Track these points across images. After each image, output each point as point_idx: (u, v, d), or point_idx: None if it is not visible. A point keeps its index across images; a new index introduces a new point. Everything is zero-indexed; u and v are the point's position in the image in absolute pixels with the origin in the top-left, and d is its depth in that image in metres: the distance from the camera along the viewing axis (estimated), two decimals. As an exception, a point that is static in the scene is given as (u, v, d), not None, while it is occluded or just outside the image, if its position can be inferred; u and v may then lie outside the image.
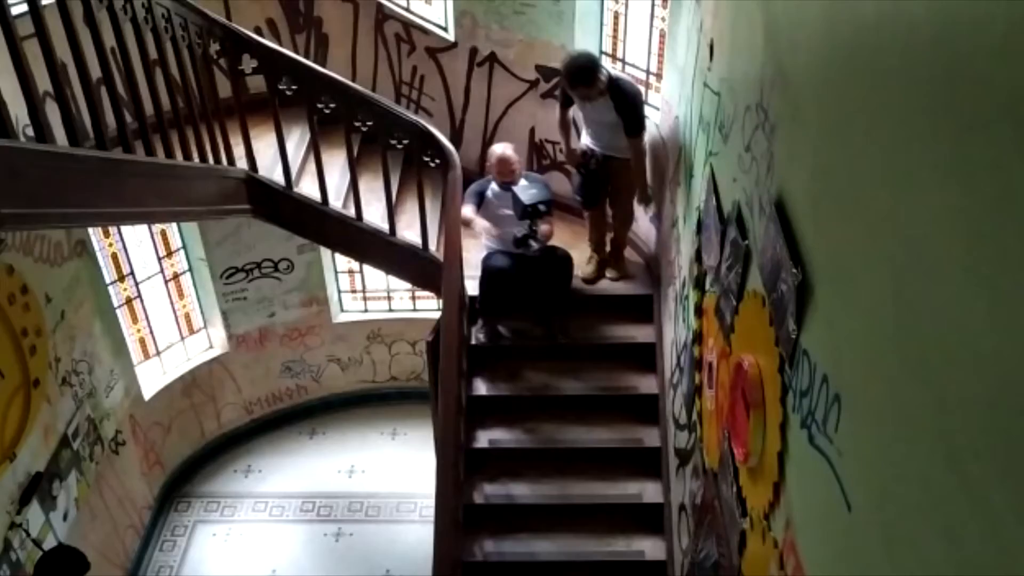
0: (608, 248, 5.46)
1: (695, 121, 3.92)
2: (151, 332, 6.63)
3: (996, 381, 1.20)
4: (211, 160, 4.58)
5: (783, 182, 2.38)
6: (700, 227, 3.64)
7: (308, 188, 5.19)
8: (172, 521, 6.82)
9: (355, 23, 6.09)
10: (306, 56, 6.03)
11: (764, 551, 2.47)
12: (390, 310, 7.45)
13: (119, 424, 6.09)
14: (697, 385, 3.72)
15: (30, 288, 4.83)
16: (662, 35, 5.02)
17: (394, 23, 6.02)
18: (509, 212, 4.99)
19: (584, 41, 5.43)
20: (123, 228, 6.04)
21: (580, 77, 4.61)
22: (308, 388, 7.60)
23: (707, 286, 3.49)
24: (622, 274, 5.43)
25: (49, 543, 5.03)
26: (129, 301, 6.36)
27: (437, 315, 5.20)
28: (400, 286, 7.18)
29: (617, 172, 5.00)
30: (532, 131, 6.04)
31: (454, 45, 5.91)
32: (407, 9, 6.00)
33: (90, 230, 5.60)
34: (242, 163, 4.87)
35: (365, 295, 7.43)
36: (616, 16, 5.41)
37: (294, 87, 4.74)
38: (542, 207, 4.91)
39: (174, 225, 6.42)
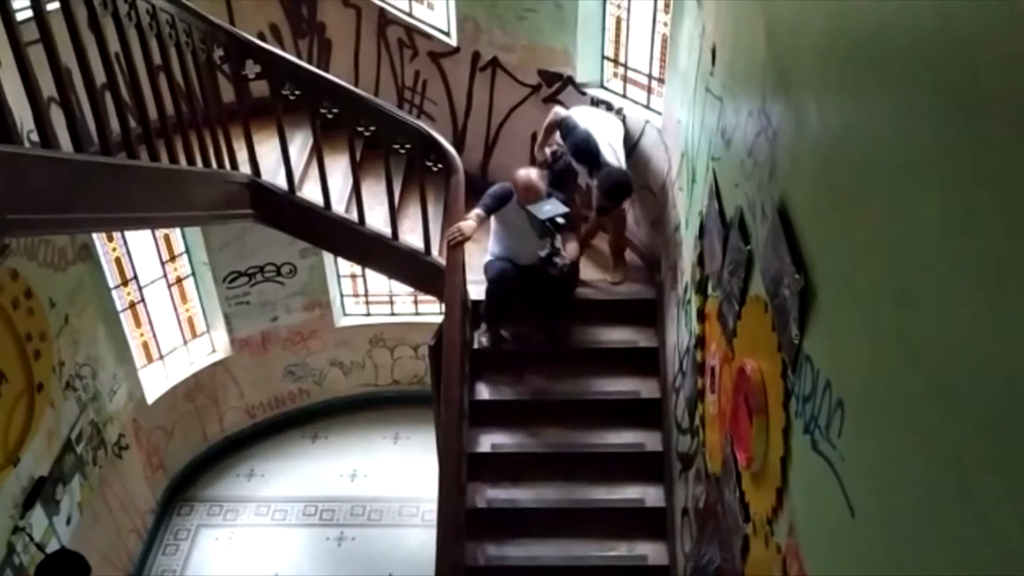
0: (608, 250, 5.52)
1: (697, 126, 3.92)
2: (154, 336, 6.65)
3: (1000, 387, 1.20)
4: (214, 165, 4.60)
5: (785, 187, 2.39)
6: (702, 232, 3.64)
7: (311, 193, 5.19)
8: (175, 525, 6.83)
9: (358, 28, 6.11)
10: (309, 61, 6.05)
11: (767, 556, 2.48)
12: (392, 314, 7.46)
13: (122, 428, 6.10)
14: (699, 389, 3.73)
15: (34, 292, 4.85)
16: (664, 40, 5.02)
17: (397, 28, 6.03)
18: (526, 226, 4.86)
19: (586, 46, 5.44)
20: (126, 233, 6.05)
21: (618, 193, 4.93)
22: (310, 392, 7.61)
23: (709, 290, 3.50)
24: (623, 278, 5.43)
25: (52, 547, 5.04)
26: (132, 305, 6.37)
27: (439, 319, 5.20)
28: (402, 290, 7.19)
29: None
30: (534, 136, 6.03)
31: (456, 50, 5.92)
32: (410, 14, 6.02)
33: (94, 235, 5.62)
34: (245, 168, 4.88)
35: (367, 299, 7.44)
36: (618, 21, 5.42)
37: (297, 92, 4.76)
38: (560, 219, 4.76)
39: (177, 229, 6.43)
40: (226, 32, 4.57)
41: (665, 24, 4.98)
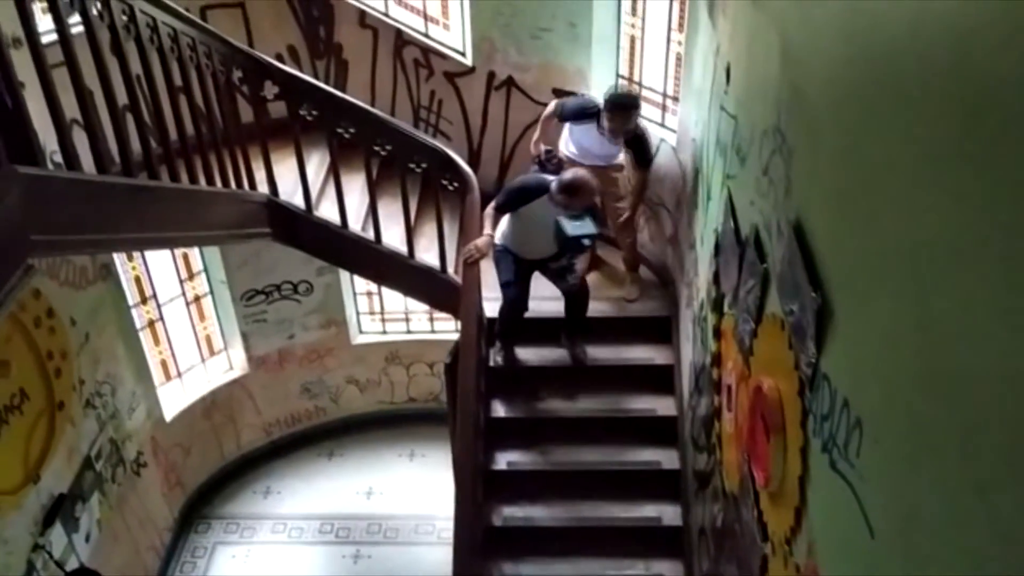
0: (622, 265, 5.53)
1: (712, 144, 3.94)
2: (172, 354, 6.70)
3: (1020, 407, 1.20)
4: (233, 185, 4.65)
5: (801, 205, 2.39)
6: (718, 249, 3.65)
7: (328, 211, 5.24)
8: (192, 542, 6.85)
9: (374, 49, 6.17)
10: (326, 81, 6.11)
11: (786, 576, 2.46)
12: (408, 331, 7.49)
13: (141, 446, 6.14)
14: (716, 407, 3.72)
15: (55, 311, 4.90)
16: (678, 58, 5.05)
17: (413, 48, 6.09)
18: (549, 226, 4.64)
19: (601, 65, 5.48)
20: (146, 252, 6.11)
21: (627, 105, 4.77)
22: (327, 409, 7.63)
23: (725, 308, 3.50)
24: (639, 294, 5.44)
25: (71, 565, 5.07)
26: (151, 323, 6.43)
27: (455, 337, 5.22)
28: (418, 308, 7.22)
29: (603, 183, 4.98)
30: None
31: (472, 70, 5.97)
32: (426, 35, 6.07)
33: (114, 254, 5.68)
34: (263, 187, 4.93)
35: (383, 316, 7.47)
36: (633, 40, 5.46)
37: (314, 112, 4.81)
38: (586, 242, 4.68)
39: (195, 248, 6.49)
40: (245, 54, 4.63)
41: (679, 43, 5.00)
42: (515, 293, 4.95)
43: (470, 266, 4.74)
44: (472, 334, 4.65)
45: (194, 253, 6.59)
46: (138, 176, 3.69)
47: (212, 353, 7.04)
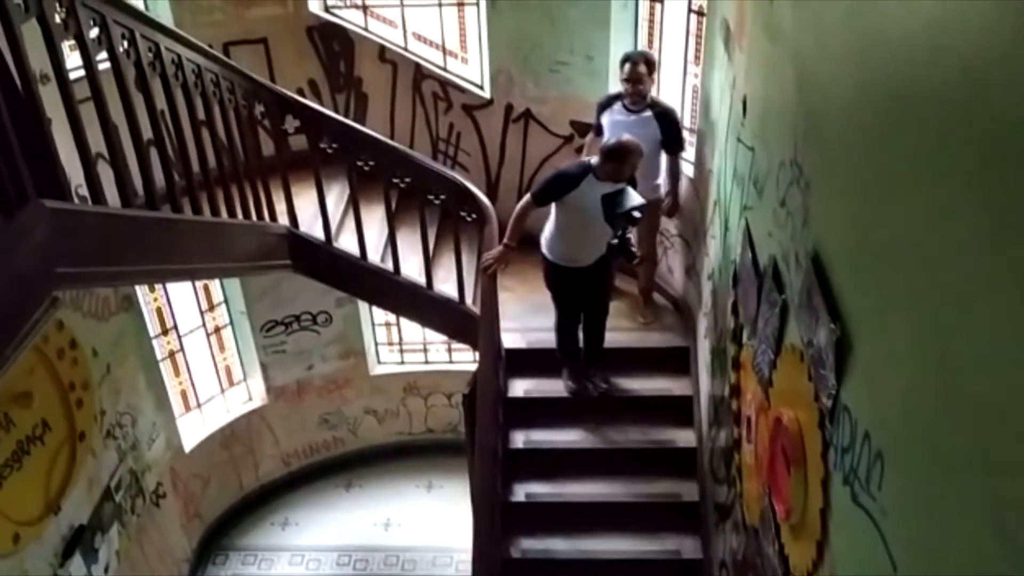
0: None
1: (729, 175, 3.95)
2: (192, 385, 6.74)
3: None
4: (254, 217, 4.70)
5: (819, 237, 2.39)
6: (736, 280, 3.64)
7: (347, 243, 5.29)
8: (210, 574, 6.83)
9: (394, 82, 6.25)
10: (346, 114, 6.20)
11: (808, 611, 2.43)
12: (426, 362, 7.50)
13: (160, 476, 6.16)
14: (735, 439, 3.69)
15: (78, 343, 4.96)
16: (695, 91, 5.08)
17: (432, 82, 6.17)
18: (597, 212, 4.36)
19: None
20: (168, 283, 6.18)
21: (643, 59, 4.75)
22: (345, 440, 7.63)
23: (744, 339, 3.49)
24: (654, 318, 5.43)
25: (90, 596, 5.08)
26: (172, 354, 6.48)
27: (473, 367, 5.23)
28: (436, 338, 7.23)
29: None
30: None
31: (490, 102, 6.04)
32: (444, 68, 6.16)
33: (136, 285, 5.75)
34: (283, 219, 4.99)
35: (402, 347, 7.49)
36: (647, 72, 5.49)
37: (335, 145, 4.88)
38: (637, 213, 4.34)
39: (217, 280, 6.56)
40: (267, 89, 4.72)
41: (696, 75, 5.04)
42: (563, 313, 4.97)
43: (489, 276, 4.71)
44: (490, 365, 4.66)
45: (215, 284, 6.65)
46: (161, 209, 3.74)
47: (232, 384, 7.07)
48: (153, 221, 3.57)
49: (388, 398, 7.51)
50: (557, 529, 4.96)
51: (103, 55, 3.29)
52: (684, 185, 5.11)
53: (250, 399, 7.17)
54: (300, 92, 5.97)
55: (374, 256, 5.33)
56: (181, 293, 6.46)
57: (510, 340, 5.39)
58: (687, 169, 5.17)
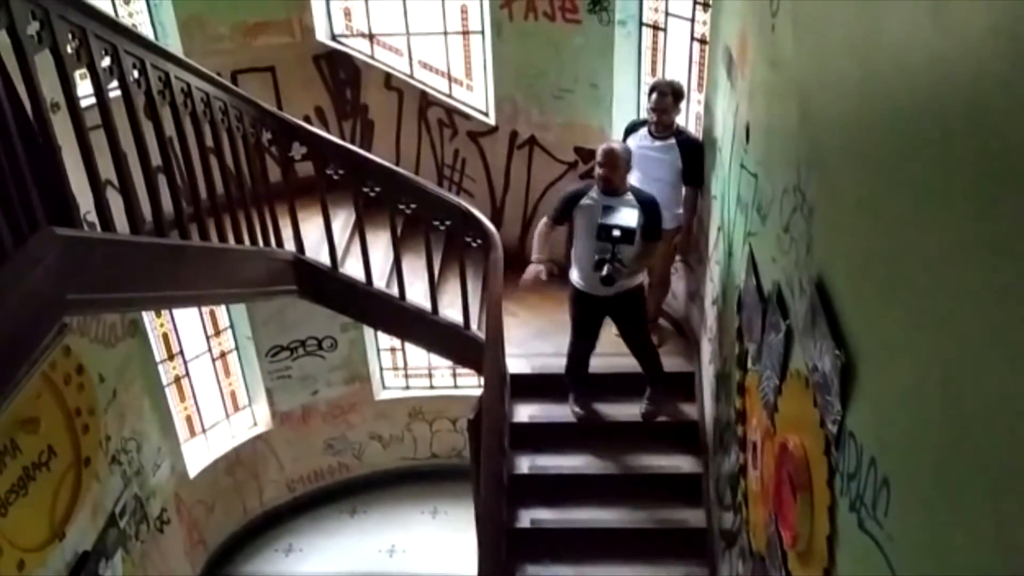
0: None
1: (733, 201, 3.97)
2: (198, 410, 6.74)
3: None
4: (261, 243, 4.74)
5: (823, 263, 2.41)
6: (740, 306, 3.65)
7: (353, 268, 5.31)
8: (213, 601, 6.80)
9: (399, 109, 6.32)
10: (352, 141, 6.26)
11: (816, 639, 2.41)
12: (431, 387, 7.50)
13: (164, 502, 6.15)
14: (741, 465, 3.68)
15: (85, 368, 4.97)
16: (698, 117, 5.12)
17: (437, 109, 6.23)
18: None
19: (622, 123, 5.55)
20: (175, 309, 6.20)
21: (671, 90, 4.76)
22: (349, 466, 7.62)
23: (749, 365, 3.49)
24: (659, 342, 5.43)
25: (93, 623, 5.05)
26: (178, 380, 6.49)
27: (478, 393, 5.23)
28: (441, 364, 7.24)
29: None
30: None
31: (495, 129, 6.09)
32: (450, 95, 6.22)
33: (144, 312, 5.77)
34: (290, 245, 5.02)
35: (407, 372, 7.49)
36: (652, 99, 5.54)
37: (341, 172, 4.92)
38: (616, 232, 4.26)
39: (223, 305, 6.58)
40: (275, 117, 4.77)
41: (699, 102, 5.08)
42: (576, 337, 4.97)
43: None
44: (495, 390, 4.66)
45: (221, 310, 6.68)
46: (169, 235, 3.78)
47: (237, 409, 7.08)
48: (161, 247, 3.60)
49: (393, 423, 7.50)
50: (563, 556, 4.93)
51: (113, 83, 3.34)
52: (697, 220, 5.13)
53: (255, 424, 7.17)
54: (307, 119, 6.03)
55: (379, 281, 5.36)
56: (187, 318, 6.49)
57: (515, 365, 5.40)
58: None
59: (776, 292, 2.93)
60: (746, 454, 3.56)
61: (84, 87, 3.36)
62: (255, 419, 7.17)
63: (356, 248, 5.24)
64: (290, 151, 4.85)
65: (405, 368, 7.49)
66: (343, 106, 6.37)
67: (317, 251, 5.19)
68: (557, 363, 5.30)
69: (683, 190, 4.98)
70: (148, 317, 5.99)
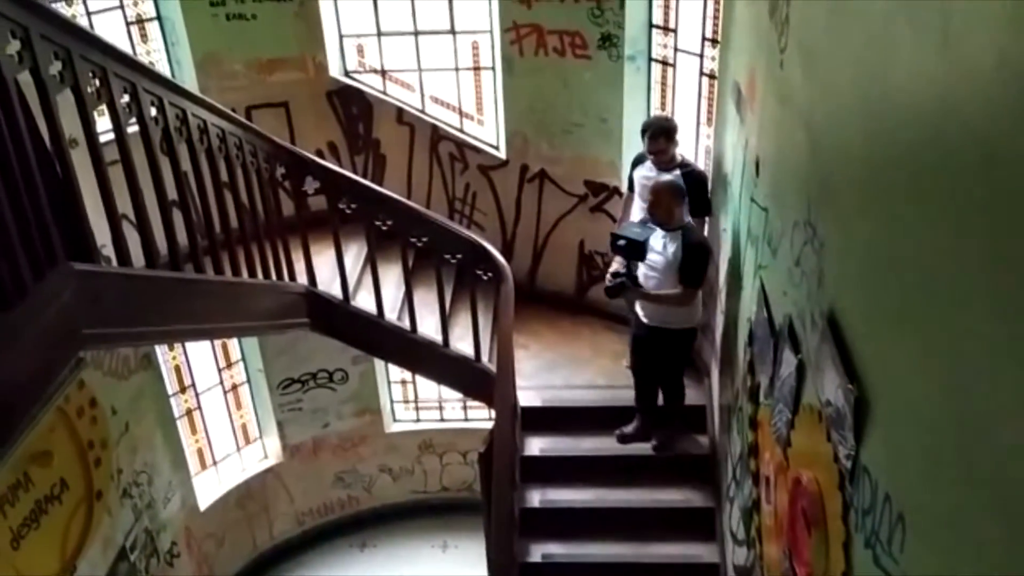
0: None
1: (743, 234, 3.99)
2: (209, 443, 6.74)
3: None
4: (274, 276, 4.77)
5: (834, 297, 2.41)
6: (751, 339, 3.65)
7: (365, 301, 5.34)
8: (222, 636, 6.75)
9: (411, 144, 6.38)
10: (364, 175, 6.32)
11: (832, 677, 2.38)
12: (442, 420, 7.49)
13: (175, 536, 6.13)
14: (755, 499, 3.66)
15: (98, 401, 5.00)
16: (708, 151, 5.16)
17: (448, 143, 6.29)
18: (657, 267, 4.50)
19: (631, 157, 5.60)
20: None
21: (662, 131, 4.78)
22: (360, 499, 7.59)
23: (761, 398, 3.48)
24: None
25: (102, 658, 5.02)
26: (189, 412, 6.51)
27: (488, 425, 5.22)
28: (452, 396, 7.24)
29: None
30: (582, 244, 6.18)
31: (505, 163, 6.15)
32: (460, 130, 6.29)
33: (158, 345, 5.80)
34: (302, 278, 5.05)
35: (417, 405, 7.49)
36: (662, 133, 5.58)
37: (353, 206, 4.97)
38: (620, 242, 4.48)
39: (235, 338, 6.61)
40: (288, 151, 4.83)
41: (708, 136, 5.12)
42: (635, 363, 4.97)
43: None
44: (507, 423, 4.65)
45: (233, 342, 6.71)
46: (184, 268, 3.81)
47: (248, 442, 7.08)
48: (176, 282, 3.63)
49: (403, 456, 7.48)
50: (574, 591, 4.89)
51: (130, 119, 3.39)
52: None
53: (266, 457, 7.16)
54: (320, 154, 6.10)
55: (391, 314, 5.38)
56: (199, 351, 6.52)
57: (526, 398, 5.39)
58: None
59: (788, 325, 2.93)
60: (759, 488, 3.54)
61: (101, 122, 3.41)
62: (266, 452, 7.17)
63: (368, 281, 5.27)
64: (303, 185, 4.90)
65: (416, 401, 7.48)
66: (355, 141, 6.45)
67: (329, 284, 5.23)
68: (568, 396, 5.30)
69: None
70: (161, 350, 6.03)
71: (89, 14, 5.32)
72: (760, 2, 3.55)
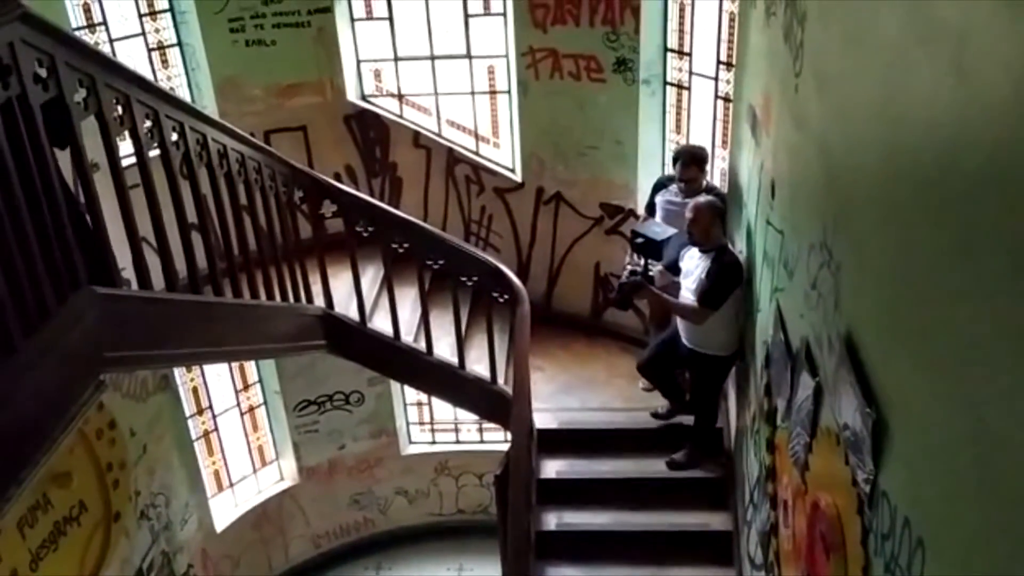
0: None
1: (759, 257, 3.99)
2: (225, 464, 6.77)
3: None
4: (291, 298, 4.81)
5: (851, 319, 2.41)
6: (768, 361, 3.64)
7: (381, 323, 5.36)
8: (237, 659, 6.73)
9: (427, 167, 6.44)
10: (380, 198, 6.37)
11: None
12: (457, 442, 7.48)
13: (191, 558, 6.14)
14: (773, 523, 3.63)
15: (117, 423, 5.03)
16: (723, 174, 5.17)
17: (464, 166, 6.34)
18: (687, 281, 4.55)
19: (647, 180, 5.62)
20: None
21: (694, 159, 4.79)
22: (375, 521, 7.57)
23: (778, 421, 3.46)
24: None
25: None
26: (206, 434, 6.54)
27: (504, 447, 5.21)
28: (468, 418, 7.23)
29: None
30: (597, 266, 6.19)
31: (521, 185, 6.18)
32: (476, 153, 6.33)
33: (176, 368, 5.84)
34: (319, 300, 5.08)
35: (433, 427, 7.49)
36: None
37: (370, 228, 5.00)
38: (639, 239, 4.55)
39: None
40: (306, 175, 4.88)
41: (723, 159, 5.14)
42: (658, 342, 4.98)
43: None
44: (523, 445, 4.64)
45: (250, 364, 6.74)
46: (203, 290, 3.85)
47: (264, 463, 7.09)
48: (196, 305, 3.67)
49: (419, 478, 7.47)
50: (591, 615, 4.85)
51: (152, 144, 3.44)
52: None
53: (282, 479, 7.17)
54: (337, 177, 6.16)
55: (407, 336, 5.40)
56: (217, 372, 6.56)
57: (541, 420, 5.38)
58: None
59: (805, 348, 2.92)
60: (777, 512, 3.51)
61: (122, 146, 3.47)
62: (282, 473, 7.18)
63: (384, 303, 5.30)
64: (321, 208, 4.95)
65: (431, 422, 7.48)
66: (373, 164, 6.51)
67: (346, 306, 5.26)
68: (583, 418, 5.29)
69: None
70: (179, 372, 6.06)
71: (112, 41, 5.42)
72: (775, 27, 3.58)
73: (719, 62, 5.10)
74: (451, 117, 6.41)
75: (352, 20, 6.14)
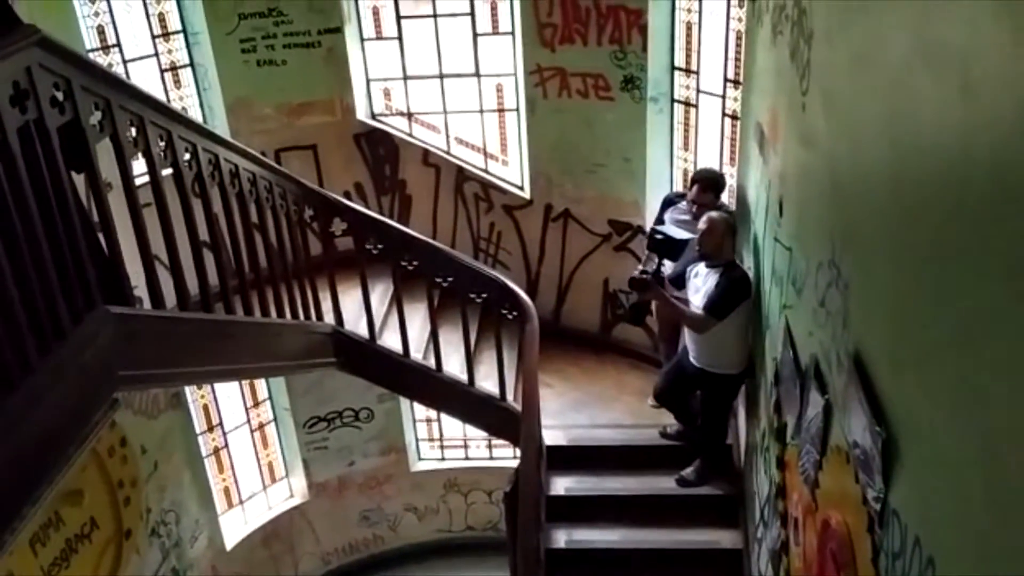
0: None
1: (767, 274, 3.99)
2: (235, 481, 6.78)
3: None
4: (302, 316, 4.83)
5: (860, 337, 2.41)
6: (778, 379, 3.64)
7: (390, 340, 5.38)
8: (247, 677, 6.71)
9: (436, 184, 6.47)
10: (390, 215, 6.41)
11: None
12: (467, 458, 7.48)
13: (201, 575, 6.14)
14: (783, 541, 3.62)
15: (128, 440, 5.06)
16: (731, 191, 5.18)
17: (473, 184, 6.37)
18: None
19: (655, 197, 5.64)
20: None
21: (712, 184, 4.81)
22: (385, 538, 7.57)
23: (788, 439, 3.46)
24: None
25: None
26: (216, 451, 6.56)
27: (513, 464, 5.21)
28: (477, 434, 7.23)
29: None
30: (606, 282, 6.20)
31: (530, 203, 6.21)
32: (485, 170, 6.37)
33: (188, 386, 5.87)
34: (329, 318, 5.11)
35: (442, 443, 7.49)
36: (685, 173, 5.63)
37: (380, 246, 5.04)
38: (658, 236, 4.59)
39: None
40: (316, 193, 4.92)
41: (731, 176, 5.15)
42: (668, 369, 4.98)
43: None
44: (532, 462, 4.64)
45: (260, 381, 6.77)
46: (215, 308, 3.88)
47: (274, 480, 7.10)
48: (208, 323, 3.70)
49: (428, 495, 7.47)
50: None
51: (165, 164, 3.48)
52: None
53: (291, 495, 7.18)
54: (347, 195, 6.20)
55: (416, 353, 5.42)
56: (227, 390, 6.58)
57: (551, 437, 5.38)
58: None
59: (814, 366, 2.93)
60: (788, 530, 3.50)
61: (135, 166, 3.51)
62: (291, 490, 7.19)
63: (394, 320, 5.32)
64: (331, 226, 4.98)
65: (441, 439, 7.49)
66: (382, 182, 6.55)
67: (356, 323, 5.28)
68: (593, 435, 5.28)
69: None
70: (190, 389, 6.09)
71: (125, 62, 5.49)
72: (781, 45, 3.60)
73: (726, 80, 5.13)
74: (460, 135, 6.45)
75: (362, 40, 6.19)
